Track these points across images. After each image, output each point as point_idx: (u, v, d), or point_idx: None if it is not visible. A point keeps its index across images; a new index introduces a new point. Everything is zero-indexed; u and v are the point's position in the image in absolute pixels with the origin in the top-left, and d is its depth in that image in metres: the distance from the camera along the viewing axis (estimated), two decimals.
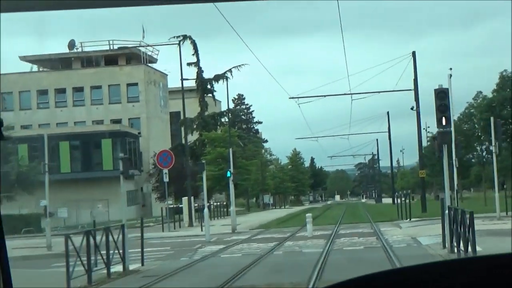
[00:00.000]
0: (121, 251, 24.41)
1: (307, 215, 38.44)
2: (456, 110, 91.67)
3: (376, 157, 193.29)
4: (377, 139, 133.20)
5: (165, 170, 49.53)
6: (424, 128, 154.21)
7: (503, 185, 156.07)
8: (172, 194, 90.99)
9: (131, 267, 25.41)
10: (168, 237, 43.61)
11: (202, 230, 47.92)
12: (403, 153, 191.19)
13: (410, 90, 57.59)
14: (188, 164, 63.73)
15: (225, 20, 30.57)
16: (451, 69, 47.76)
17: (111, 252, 23.66)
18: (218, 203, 79.70)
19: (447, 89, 24.58)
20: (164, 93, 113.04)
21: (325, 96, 60.33)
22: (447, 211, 25.14)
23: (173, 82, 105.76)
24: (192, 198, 57.99)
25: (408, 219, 46.12)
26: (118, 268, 24.37)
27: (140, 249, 26.43)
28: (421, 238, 31.78)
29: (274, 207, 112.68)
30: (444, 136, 24.72)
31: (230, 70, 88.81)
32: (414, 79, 57.40)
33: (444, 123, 24.33)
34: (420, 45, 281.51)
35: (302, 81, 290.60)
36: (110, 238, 23.91)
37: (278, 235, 39.85)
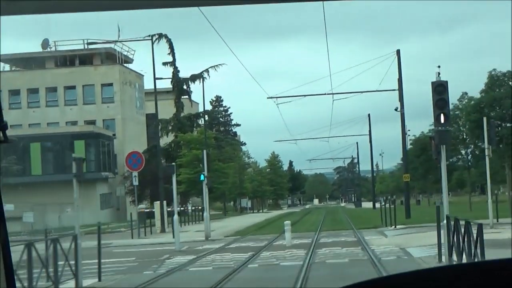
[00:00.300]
0: (73, 263, 21.08)
1: (285, 222, 35.16)
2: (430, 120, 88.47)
3: (355, 160, 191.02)
4: (357, 142, 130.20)
5: (135, 173, 46.29)
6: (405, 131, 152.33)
7: (482, 189, 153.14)
8: (148, 198, 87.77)
9: (86, 283, 22.11)
10: (136, 245, 40.27)
11: (173, 237, 44.86)
12: (382, 156, 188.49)
13: (394, 90, 54.61)
14: (161, 167, 60.18)
15: (208, 22, 27.47)
16: (439, 67, 44.97)
17: (62, 264, 20.35)
18: (194, 207, 76.45)
19: (446, 82, 21.39)
20: (140, 94, 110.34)
21: (305, 96, 57.26)
22: (444, 221, 21.95)
23: (150, 83, 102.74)
24: (164, 202, 54.46)
25: (393, 226, 43.00)
26: (70, 284, 21.04)
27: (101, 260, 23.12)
28: (411, 249, 28.61)
29: (252, 211, 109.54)
30: (442, 135, 21.67)
31: (207, 70, 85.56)
32: (398, 79, 54.48)
33: (442, 120, 21.30)
34: (403, 47, 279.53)
35: (282, 83, 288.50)
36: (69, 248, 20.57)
37: (254, 244, 36.64)
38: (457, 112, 62.67)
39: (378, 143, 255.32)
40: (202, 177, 44.13)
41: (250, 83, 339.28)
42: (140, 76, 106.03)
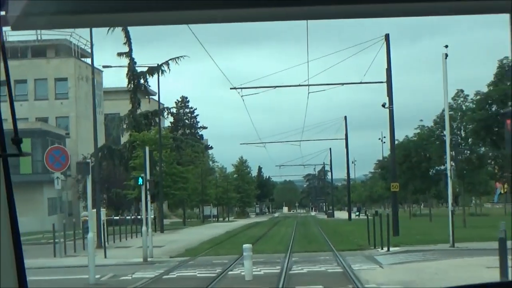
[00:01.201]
0: None
1: (244, 246, 24.85)
2: (411, 125, 79.19)
3: (326, 167, 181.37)
4: (330, 148, 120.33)
5: (57, 174, 35.72)
6: (379, 139, 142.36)
7: (456, 201, 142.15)
8: (104, 204, 77.72)
9: None
10: (44, 268, 29.65)
11: (105, 257, 34.54)
12: (354, 164, 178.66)
13: (381, 82, 44.69)
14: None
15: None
16: (446, 46, 35.12)
17: None
18: (154, 216, 66.06)
19: None
20: (98, 91, 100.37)
21: (275, 87, 46.93)
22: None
23: (111, 81, 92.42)
24: (103, 210, 44.07)
25: (384, 248, 32.82)
26: None
27: None
28: None
29: (216, 220, 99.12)
30: None
31: (166, 63, 75.33)
32: (387, 69, 44.51)
33: None
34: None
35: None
36: None
37: (201, 273, 26.39)
38: (450, 112, 52.89)
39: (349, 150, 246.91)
40: (140, 181, 33.71)
41: (219, 87, 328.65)
42: (98, 72, 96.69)
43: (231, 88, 44.15)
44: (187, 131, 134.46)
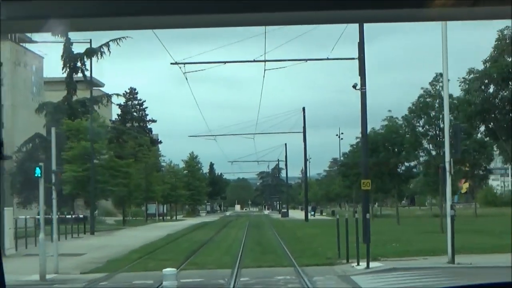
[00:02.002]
0: None
1: (165, 272, 16.40)
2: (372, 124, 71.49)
3: (280, 165, 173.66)
4: (285, 144, 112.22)
5: None
6: (337, 135, 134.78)
7: (412, 200, 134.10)
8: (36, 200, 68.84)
9: None
10: None
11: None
12: (309, 162, 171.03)
13: (354, 59, 36.53)
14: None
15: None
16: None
17: None
18: (90, 215, 57.84)
19: None
20: (37, 79, 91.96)
21: (224, 62, 38.40)
22: None
23: (57, 71, 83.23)
24: (8, 209, 35.43)
25: (361, 264, 24.58)
26: None
27: None
28: None
29: (162, 219, 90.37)
30: None
31: (106, 44, 66.43)
32: (359, 43, 36.27)
33: None
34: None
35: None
36: None
37: None
38: (428, 100, 45.28)
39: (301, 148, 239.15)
40: (37, 172, 25.01)
41: (173, 83, 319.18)
42: (39, 58, 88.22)
43: (171, 63, 35.51)
44: (136, 124, 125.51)
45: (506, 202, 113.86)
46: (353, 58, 36.83)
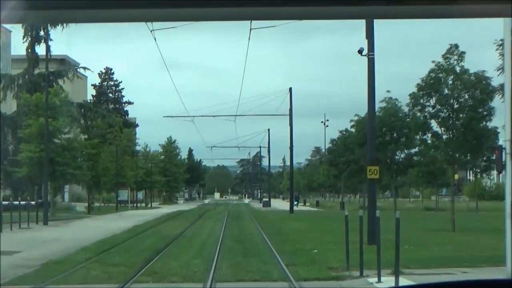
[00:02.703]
0: None
1: None
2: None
3: (261, 152, 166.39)
4: (268, 129, 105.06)
5: None
6: (322, 122, 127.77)
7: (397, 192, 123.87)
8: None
9: None
10: None
11: None
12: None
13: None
14: None
15: None
16: None
17: None
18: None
19: None
20: (5, 54, 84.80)
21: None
22: None
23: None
24: None
25: (384, 278, 17.46)
26: None
27: None
28: None
29: (135, 206, 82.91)
30: None
31: None
32: None
33: None
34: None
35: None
36: None
37: None
38: (440, 75, 38.33)
39: (285, 137, 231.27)
40: None
41: (152, 62, 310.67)
42: (6, 31, 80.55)
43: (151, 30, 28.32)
44: (111, 106, 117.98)
45: (495, 196, 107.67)
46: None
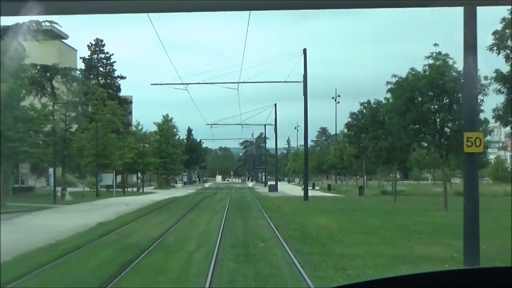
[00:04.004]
0: None
1: None
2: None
3: (265, 132, 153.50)
4: (275, 104, 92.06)
5: None
6: (333, 98, 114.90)
7: (406, 175, 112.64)
8: None
9: None
10: None
11: None
12: (297, 130, 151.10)
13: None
14: None
15: None
16: None
17: None
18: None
19: None
20: None
21: None
22: None
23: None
24: None
25: None
26: None
27: None
28: None
29: (124, 192, 70.10)
30: None
31: None
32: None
33: None
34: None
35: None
36: None
37: None
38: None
39: (290, 119, 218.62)
40: None
41: (154, 52, 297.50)
42: None
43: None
44: (102, 81, 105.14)
45: None
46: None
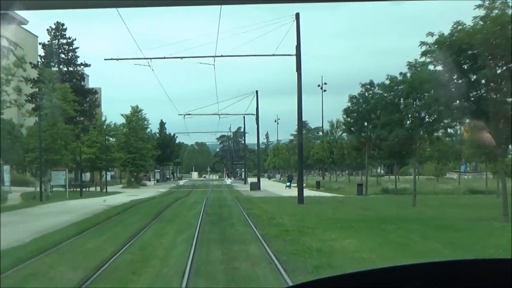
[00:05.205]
0: None
1: None
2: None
3: (244, 125, 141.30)
4: (256, 91, 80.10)
5: None
6: (319, 85, 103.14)
7: (390, 168, 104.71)
8: None
9: None
10: None
11: None
12: (277, 123, 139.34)
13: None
14: None
15: None
16: None
17: None
18: None
19: None
20: None
21: None
22: None
23: None
24: None
25: None
26: None
27: None
28: None
29: (80, 192, 57.80)
30: None
31: None
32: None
33: None
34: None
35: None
36: None
37: None
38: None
39: (270, 111, 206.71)
40: None
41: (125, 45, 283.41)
42: None
43: None
44: (63, 69, 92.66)
45: None
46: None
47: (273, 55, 41.39)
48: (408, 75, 37.92)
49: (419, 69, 37.43)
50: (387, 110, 39.61)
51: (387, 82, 39.42)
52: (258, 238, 20.86)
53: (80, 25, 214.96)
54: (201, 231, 23.35)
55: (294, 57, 41.25)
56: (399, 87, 38.86)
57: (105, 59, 43.94)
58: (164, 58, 41.54)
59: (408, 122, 39.02)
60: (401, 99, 38.95)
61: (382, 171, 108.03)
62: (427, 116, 37.83)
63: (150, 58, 41.58)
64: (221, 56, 41.60)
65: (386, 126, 39.33)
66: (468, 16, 31.37)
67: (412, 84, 37.02)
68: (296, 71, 40.94)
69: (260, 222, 26.50)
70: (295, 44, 41.11)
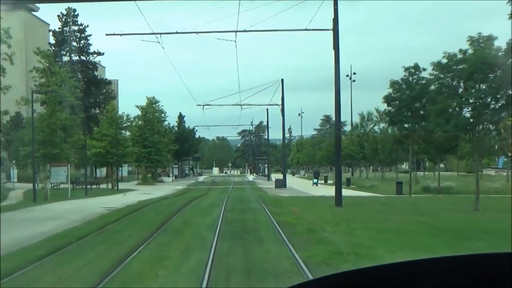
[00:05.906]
0: None
1: None
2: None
3: (264, 123, 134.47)
4: (282, 79, 73.07)
5: None
6: (347, 75, 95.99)
7: (418, 164, 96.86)
8: None
9: None
10: None
11: None
12: (301, 117, 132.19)
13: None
14: None
15: None
16: None
17: None
18: None
19: None
20: None
21: None
22: None
23: None
24: None
25: None
26: None
27: None
28: None
29: (87, 189, 51.31)
30: None
31: None
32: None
33: None
34: None
35: None
36: None
37: None
38: None
39: (293, 105, 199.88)
40: None
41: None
42: None
43: None
44: (75, 58, 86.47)
45: None
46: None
47: (306, 29, 34.43)
48: (470, 51, 31.07)
49: (482, 44, 30.65)
50: (442, 95, 32.57)
51: (444, 61, 32.34)
52: (301, 267, 14.00)
53: (98, 20, 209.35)
54: (218, 252, 16.50)
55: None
56: (458, 67, 31.87)
57: (106, 34, 37.18)
58: (177, 33, 34.67)
59: (467, 109, 32.08)
60: (461, 81, 31.97)
61: (407, 167, 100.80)
62: (493, 102, 30.88)
63: (160, 34, 34.74)
64: (244, 31, 34.55)
65: (442, 114, 32.31)
66: None
67: (474, 63, 30.12)
68: (334, 48, 34.01)
69: (297, 237, 19.64)
70: (332, 17, 34.20)
